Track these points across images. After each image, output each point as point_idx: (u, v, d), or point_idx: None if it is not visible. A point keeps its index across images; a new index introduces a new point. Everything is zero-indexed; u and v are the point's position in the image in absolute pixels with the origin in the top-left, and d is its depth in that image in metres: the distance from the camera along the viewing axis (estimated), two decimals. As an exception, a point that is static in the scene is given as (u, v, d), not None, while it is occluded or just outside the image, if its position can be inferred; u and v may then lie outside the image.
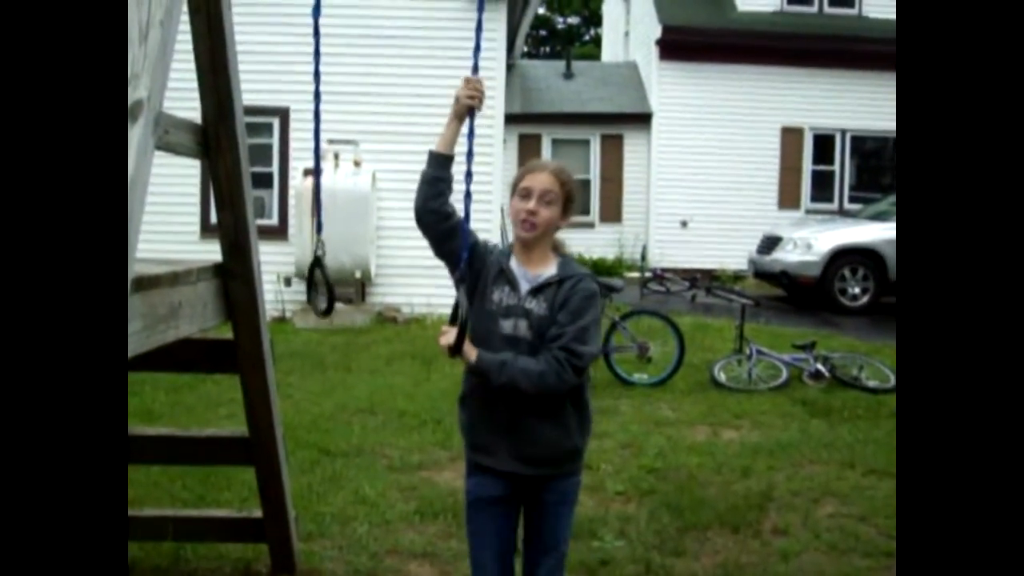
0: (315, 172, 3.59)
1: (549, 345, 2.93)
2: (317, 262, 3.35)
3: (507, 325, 2.97)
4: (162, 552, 4.39)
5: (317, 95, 3.29)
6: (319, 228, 3.45)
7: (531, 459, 3.01)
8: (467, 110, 2.99)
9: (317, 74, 3.27)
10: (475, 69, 3.05)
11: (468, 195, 3.04)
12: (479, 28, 3.14)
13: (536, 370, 2.88)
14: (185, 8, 2.69)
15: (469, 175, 3.03)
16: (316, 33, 3.23)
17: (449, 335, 2.89)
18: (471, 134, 3.05)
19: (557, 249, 3.12)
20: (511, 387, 2.90)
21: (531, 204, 2.98)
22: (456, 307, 2.92)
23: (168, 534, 4.17)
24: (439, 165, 2.98)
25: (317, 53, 3.24)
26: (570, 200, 3.07)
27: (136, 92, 2.22)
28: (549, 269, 3.05)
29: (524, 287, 3.01)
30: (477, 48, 3.09)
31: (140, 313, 2.51)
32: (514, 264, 3.05)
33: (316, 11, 3.23)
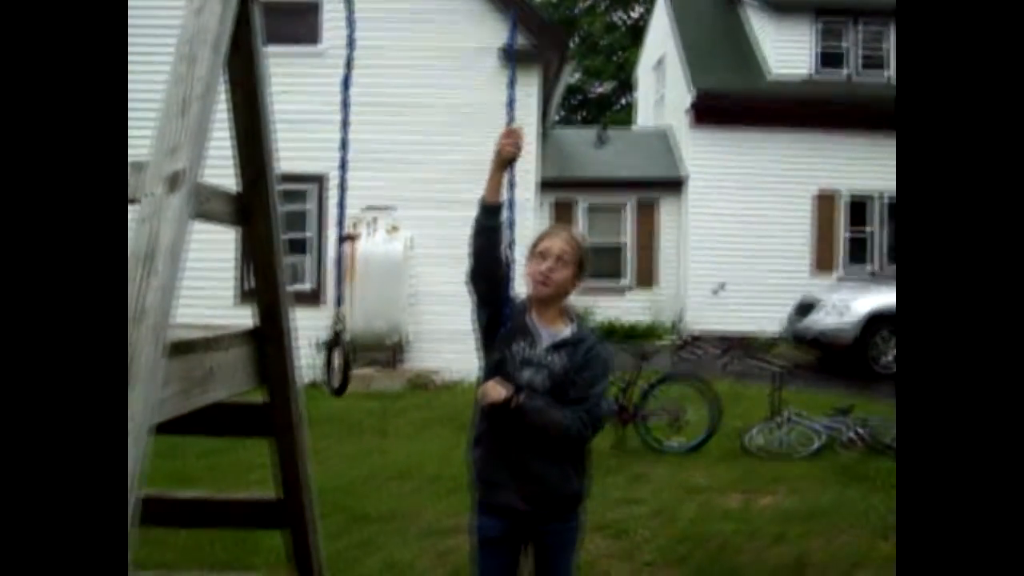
0: (340, 241, 3.68)
1: (574, 406, 3.21)
2: (337, 339, 3.40)
3: (525, 375, 3.22)
4: (194, 616, 4.42)
5: (344, 165, 3.40)
6: (339, 300, 3.51)
7: (535, 498, 3.26)
8: (509, 160, 3.19)
9: (344, 144, 3.39)
10: (510, 122, 3.26)
11: (512, 243, 3.31)
12: (511, 84, 3.31)
13: (564, 423, 3.18)
14: (223, 80, 2.78)
15: (512, 224, 3.20)
16: (345, 105, 3.36)
17: (500, 391, 3.14)
18: (512, 185, 3.26)
19: (568, 312, 3.40)
20: (540, 429, 3.18)
21: (546, 265, 3.26)
22: (518, 389, 3.18)
23: (200, 598, 4.19)
24: (493, 214, 3.22)
25: (345, 124, 3.37)
26: (583, 263, 3.34)
27: (176, 164, 2.30)
28: (566, 328, 3.32)
29: (544, 342, 3.27)
30: (511, 104, 3.28)
31: (177, 377, 2.56)
32: (532, 319, 3.31)
33: (345, 84, 3.36)
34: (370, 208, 12.20)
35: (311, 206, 13.21)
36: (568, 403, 3.21)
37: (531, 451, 3.23)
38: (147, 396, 2.09)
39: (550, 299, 3.30)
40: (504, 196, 3.22)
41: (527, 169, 12.43)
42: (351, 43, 3.31)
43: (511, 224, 3.27)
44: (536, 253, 3.32)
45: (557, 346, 3.26)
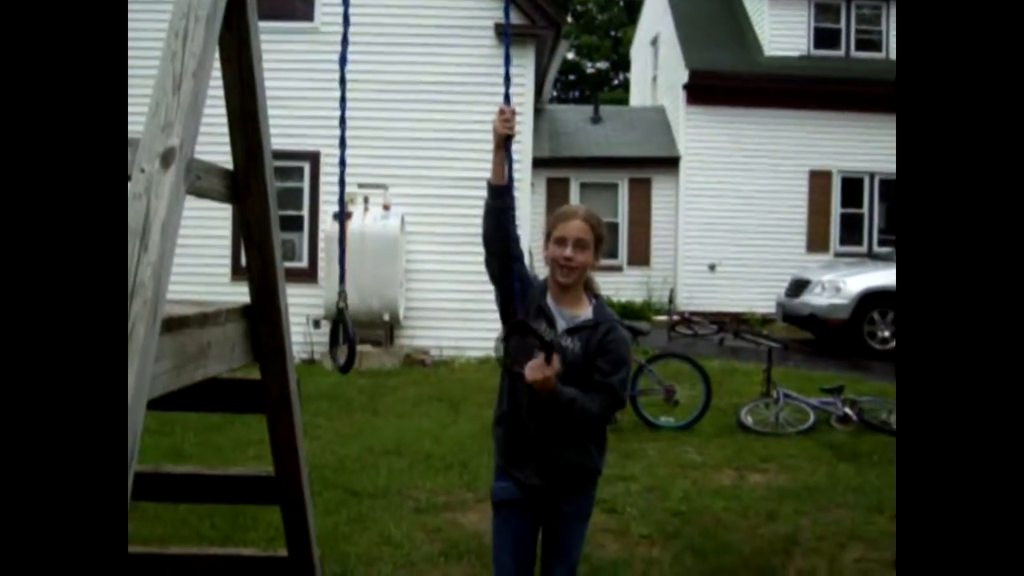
0: (340, 219, 3.68)
1: (600, 391, 3.24)
2: (341, 316, 3.43)
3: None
4: (189, 591, 4.44)
5: (343, 142, 3.41)
6: (342, 278, 3.52)
7: (555, 477, 3.31)
8: (506, 138, 3.22)
9: (343, 121, 3.39)
10: (506, 99, 3.27)
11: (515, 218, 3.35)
12: (507, 60, 3.32)
13: (591, 409, 3.22)
14: (217, 58, 2.78)
15: (513, 201, 3.27)
16: (342, 82, 3.36)
17: (547, 369, 3.10)
18: (510, 162, 3.28)
19: (589, 289, 3.40)
20: (567, 413, 3.19)
21: (567, 251, 3.25)
22: (550, 344, 3.13)
23: (195, 572, 4.20)
24: (500, 195, 3.26)
25: (343, 101, 3.37)
26: (600, 242, 3.34)
27: (169, 140, 2.30)
28: (585, 311, 3.33)
29: (561, 325, 3.28)
30: (507, 78, 3.30)
31: (170, 353, 2.57)
32: (550, 302, 3.32)
33: (343, 61, 3.35)
34: (362, 186, 12.18)
35: (305, 184, 13.19)
36: (592, 387, 3.23)
37: (553, 433, 3.27)
38: (142, 372, 2.10)
39: (572, 283, 3.32)
40: (506, 177, 3.25)
41: (519, 149, 12.37)
42: (346, 20, 3.30)
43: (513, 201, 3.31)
44: (554, 239, 3.30)
45: (573, 330, 3.28)
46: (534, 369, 3.12)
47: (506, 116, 3.21)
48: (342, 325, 3.46)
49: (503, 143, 3.23)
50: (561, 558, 3.42)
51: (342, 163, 3.45)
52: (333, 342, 3.53)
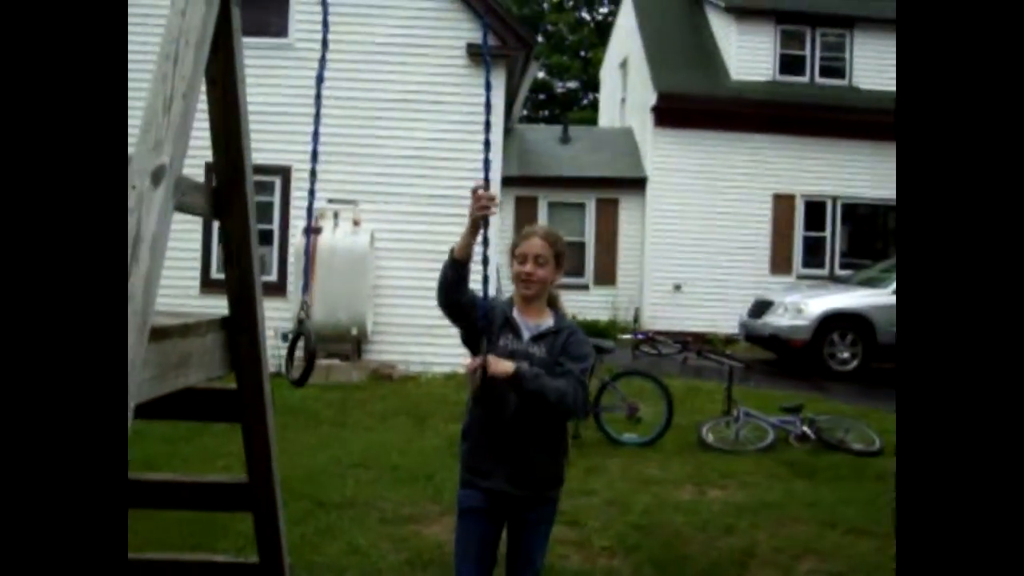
0: (307, 231, 3.81)
1: (563, 375, 3.42)
2: (301, 327, 3.53)
3: None
4: (159, 596, 4.51)
5: (314, 155, 3.54)
6: (305, 288, 3.64)
7: (524, 482, 3.47)
8: (480, 220, 3.41)
9: (316, 135, 3.53)
10: (487, 126, 3.43)
11: (486, 279, 3.59)
12: (488, 87, 3.49)
13: (562, 388, 3.38)
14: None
15: (486, 261, 3.44)
16: (318, 98, 3.50)
17: (504, 364, 3.35)
18: (485, 242, 3.46)
19: (553, 303, 3.64)
20: (538, 395, 3.35)
21: (528, 267, 3.50)
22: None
23: (166, 579, 4.28)
24: (458, 267, 3.43)
25: (318, 117, 3.51)
26: (560, 257, 3.57)
27: (159, 158, 2.42)
28: (547, 320, 3.57)
29: (526, 334, 3.52)
30: (488, 106, 3.47)
31: (153, 362, 2.68)
32: (516, 315, 3.55)
33: (319, 79, 3.50)
34: (332, 201, 12.28)
35: (275, 198, 13.26)
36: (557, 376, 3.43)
37: (519, 438, 3.46)
38: (132, 379, 2.22)
39: (534, 296, 3.56)
40: (471, 255, 3.44)
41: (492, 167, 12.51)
42: (325, 43, 3.44)
43: (486, 261, 3.48)
44: (516, 256, 3.55)
45: (538, 337, 3.52)
46: (494, 364, 3.35)
47: (482, 202, 3.38)
48: (303, 337, 3.55)
49: (479, 225, 3.42)
50: (526, 565, 3.58)
51: (312, 175, 3.59)
52: (290, 355, 3.62)
